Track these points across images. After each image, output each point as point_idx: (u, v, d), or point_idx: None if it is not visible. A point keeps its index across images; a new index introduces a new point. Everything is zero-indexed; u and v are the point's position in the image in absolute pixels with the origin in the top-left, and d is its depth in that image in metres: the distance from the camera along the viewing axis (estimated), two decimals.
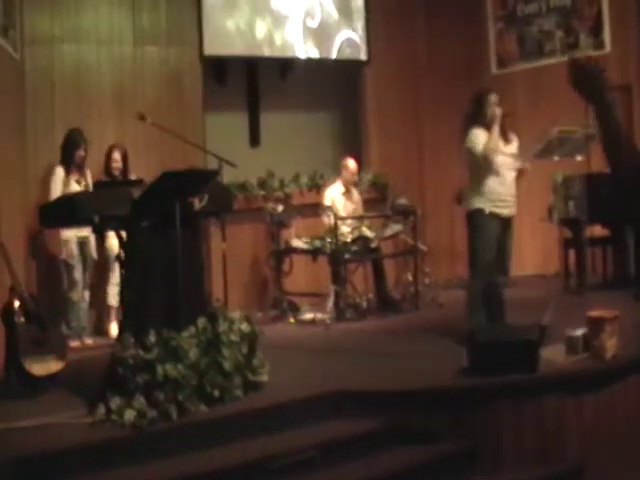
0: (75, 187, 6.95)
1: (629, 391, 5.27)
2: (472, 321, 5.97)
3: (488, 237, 6.02)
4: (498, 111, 6.03)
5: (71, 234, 6.91)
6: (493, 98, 6.09)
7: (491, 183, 6.02)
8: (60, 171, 6.98)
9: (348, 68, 9.69)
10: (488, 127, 6.04)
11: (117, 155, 7.30)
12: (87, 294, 7.14)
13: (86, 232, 6.90)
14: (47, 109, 7.49)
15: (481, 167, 6.02)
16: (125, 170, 7.32)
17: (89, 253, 7.11)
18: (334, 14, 9.42)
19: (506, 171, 6.07)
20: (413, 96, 9.90)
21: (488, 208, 6.02)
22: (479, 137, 6.03)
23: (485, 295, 6.06)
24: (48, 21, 7.53)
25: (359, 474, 4.52)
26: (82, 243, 7.03)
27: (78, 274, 7.00)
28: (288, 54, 9.11)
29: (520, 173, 6.20)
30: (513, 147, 6.18)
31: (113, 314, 7.21)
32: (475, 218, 6.08)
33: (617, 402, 5.20)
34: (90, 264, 7.15)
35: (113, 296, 7.16)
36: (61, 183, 6.94)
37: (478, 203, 6.04)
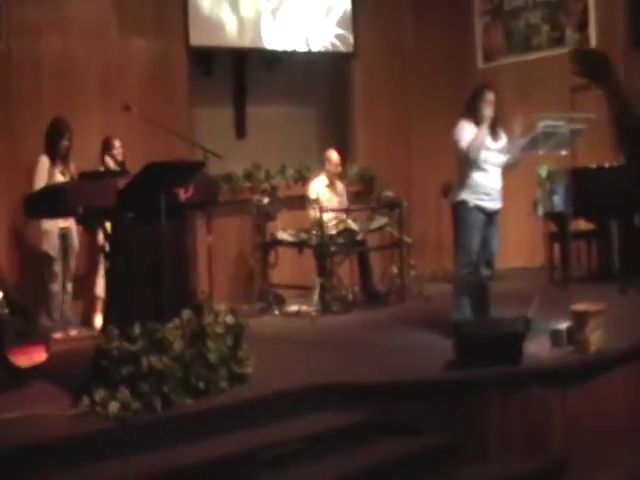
0: (59, 178, 6.90)
1: (613, 384, 5.30)
2: (458, 312, 5.99)
3: (472, 229, 6.03)
4: (489, 112, 6.01)
5: (52, 225, 6.88)
6: (489, 96, 6.04)
7: (476, 176, 6.02)
8: (45, 160, 6.94)
9: (335, 60, 9.67)
10: (477, 122, 6.03)
11: (118, 142, 7.33)
12: (70, 285, 7.11)
13: (68, 223, 6.89)
14: (33, 100, 7.43)
15: (466, 160, 6.03)
16: (125, 158, 7.33)
17: (71, 244, 7.08)
18: (321, 6, 9.40)
19: (491, 167, 6.08)
20: (400, 89, 9.90)
21: (472, 201, 6.03)
22: (465, 131, 6.02)
23: (470, 287, 6.07)
24: (34, 11, 7.46)
25: (346, 466, 4.51)
26: (64, 234, 7.00)
27: (58, 266, 6.96)
28: (275, 46, 9.08)
29: (513, 163, 6.20)
30: (501, 144, 6.18)
31: (99, 305, 7.18)
32: (459, 210, 6.09)
33: (601, 395, 5.22)
34: (72, 255, 7.11)
35: (101, 287, 7.14)
36: (46, 173, 6.89)
37: (463, 195, 6.05)
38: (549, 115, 6.18)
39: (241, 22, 8.85)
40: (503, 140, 6.19)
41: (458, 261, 6.13)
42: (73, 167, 7.07)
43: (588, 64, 2.28)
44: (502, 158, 6.13)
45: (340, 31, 9.50)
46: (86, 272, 7.38)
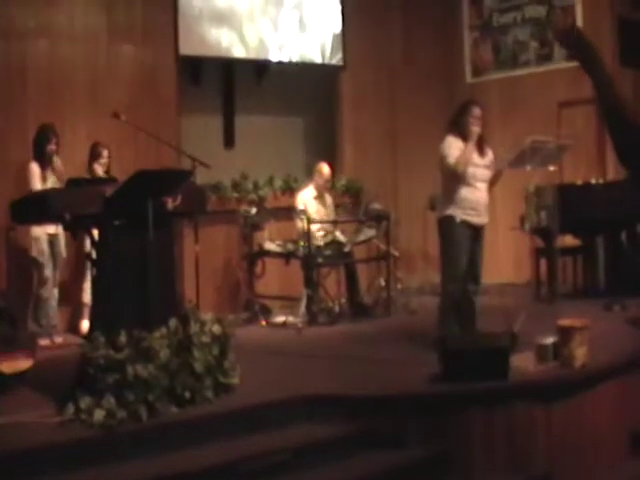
0: (52, 181, 6.89)
1: (598, 400, 5.31)
2: (444, 328, 5.98)
3: (459, 244, 6.02)
4: (476, 130, 6.03)
5: (41, 231, 6.86)
6: (476, 111, 6.07)
7: (463, 192, 6.03)
8: (35, 167, 6.91)
9: (324, 72, 9.69)
10: (464, 137, 6.05)
11: (105, 152, 7.32)
12: (56, 292, 7.08)
13: (56, 230, 6.87)
14: (20, 105, 7.40)
15: (453, 175, 6.03)
16: (109, 168, 7.30)
17: (59, 251, 7.06)
18: (311, 19, 9.42)
19: (478, 182, 6.09)
20: (388, 102, 9.93)
21: (459, 216, 6.02)
22: (452, 147, 6.03)
23: (457, 302, 6.07)
24: (22, 15, 7.44)
25: (329, 478, 4.50)
26: (52, 241, 6.98)
27: (48, 271, 6.94)
28: (264, 57, 9.09)
29: (495, 177, 6.23)
30: (487, 159, 6.20)
31: (86, 311, 7.14)
32: (446, 225, 6.08)
33: (586, 410, 5.23)
34: (60, 262, 7.09)
35: (88, 293, 7.11)
36: (39, 179, 6.88)
37: (449, 210, 6.05)
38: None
39: (230, 32, 8.85)
40: (490, 156, 6.21)
41: (445, 276, 6.13)
42: (62, 171, 7.04)
43: (579, 43, 2.32)
44: (489, 174, 6.16)
45: (329, 44, 9.52)
46: (73, 279, 7.34)
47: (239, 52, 8.93)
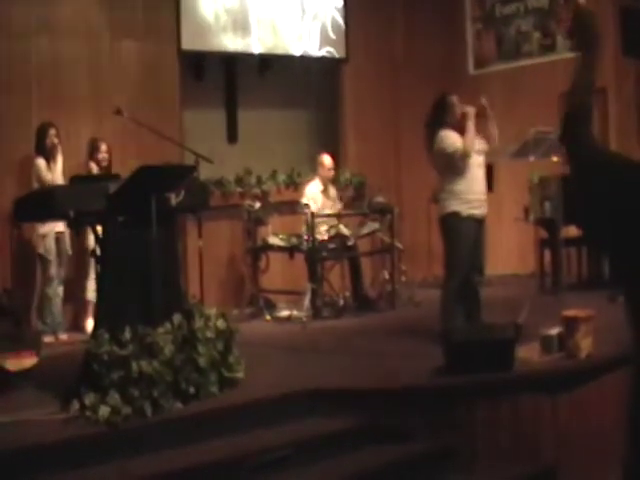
0: (58, 174, 6.92)
1: (603, 390, 5.30)
2: (447, 321, 5.96)
3: (467, 240, 5.96)
4: (471, 109, 6.01)
5: (49, 229, 6.88)
6: (453, 99, 6.08)
7: (465, 183, 5.98)
8: (41, 160, 6.95)
9: (326, 66, 9.67)
10: (455, 128, 6.01)
11: (104, 146, 7.30)
12: (61, 289, 7.10)
13: (61, 227, 6.89)
14: (23, 102, 7.40)
15: (455, 168, 5.97)
16: (110, 163, 7.29)
17: (64, 248, 7.07)
18: (313, 12, 9.41)
19: (477, 168, 6.05)
20: (391, 95, 9.91)
21: (465, 211, 5.96)
22: (451, 137, 5.99)
23: (461, 294, 6.05)
24: (24, 13, 7.44)
25: (334, 472, 4.52)
26: (57, 238, 6.99)
27: (54, 270, 6.96)
28: (267, 51, 9.08)
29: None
30: (479, 144, 6.14)
31: (90, 309, 7.15)
32: (451, 222, 6.00)
33: (591, 401, 5.23)
34: (65, 259, 7.10)
35: (92, 291, 7.13)
36: (48, 173, 6.91)
37: (454, 206, 5.97)
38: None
39: (233, 27, 8.84)
40: (478, 139, 6.13)
41: (451, 272, 6.06)
42: (61, 162, 7.07)
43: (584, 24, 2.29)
44: (482, 159, 6.12)
45: (331, 37, 9.51)
46: (76, 276, 7.35)
47: (241, 46, 8.91)
